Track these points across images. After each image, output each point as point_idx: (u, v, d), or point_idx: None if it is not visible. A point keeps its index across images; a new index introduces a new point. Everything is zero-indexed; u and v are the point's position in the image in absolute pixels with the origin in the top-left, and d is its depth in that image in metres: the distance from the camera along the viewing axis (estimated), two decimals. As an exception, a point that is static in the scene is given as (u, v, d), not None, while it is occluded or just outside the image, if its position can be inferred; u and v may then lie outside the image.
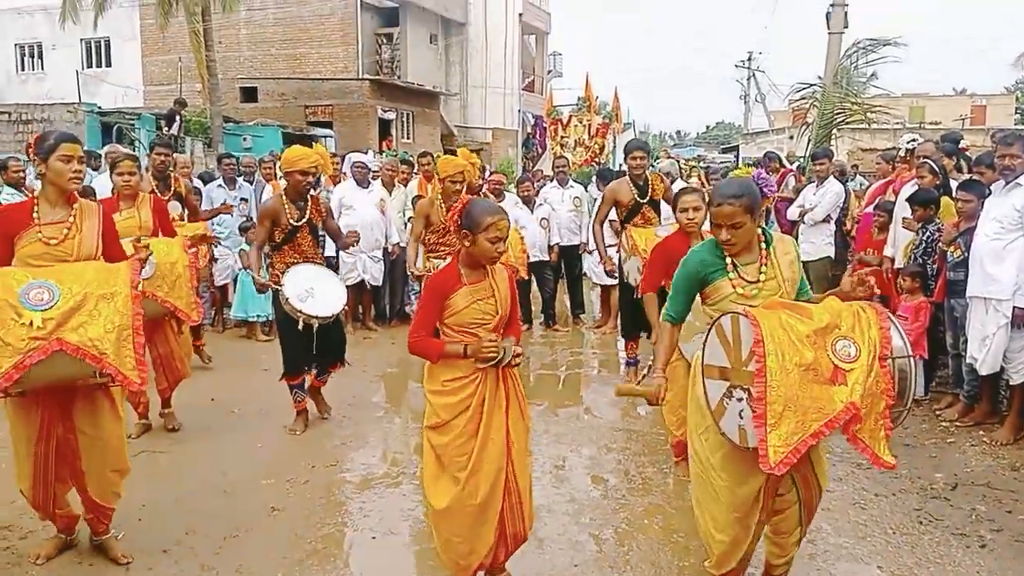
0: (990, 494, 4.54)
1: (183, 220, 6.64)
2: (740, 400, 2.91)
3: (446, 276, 3.28)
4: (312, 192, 5.54)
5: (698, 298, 3.37)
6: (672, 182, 8.11)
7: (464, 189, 6.10)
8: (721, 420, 3.01)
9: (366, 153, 12.21)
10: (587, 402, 6.65)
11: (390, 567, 3.75)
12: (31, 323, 3.08)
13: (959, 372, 5.80)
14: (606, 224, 7.29)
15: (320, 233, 5.65)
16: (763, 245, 3.21)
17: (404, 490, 4.59)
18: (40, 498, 3.58)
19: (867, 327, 2.87)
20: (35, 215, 3.48)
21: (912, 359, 2.94)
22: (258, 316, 8.21)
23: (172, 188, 6.79)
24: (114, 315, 3.22)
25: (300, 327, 5.17)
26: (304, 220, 5.38)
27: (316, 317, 5.17)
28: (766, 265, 3.18)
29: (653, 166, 10.24)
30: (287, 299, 5.12)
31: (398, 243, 8.79)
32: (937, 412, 5.90)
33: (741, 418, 2.91)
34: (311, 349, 5.42)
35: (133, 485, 4.45)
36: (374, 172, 9.49)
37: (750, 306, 3.01)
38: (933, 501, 4.47)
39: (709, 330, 3.08)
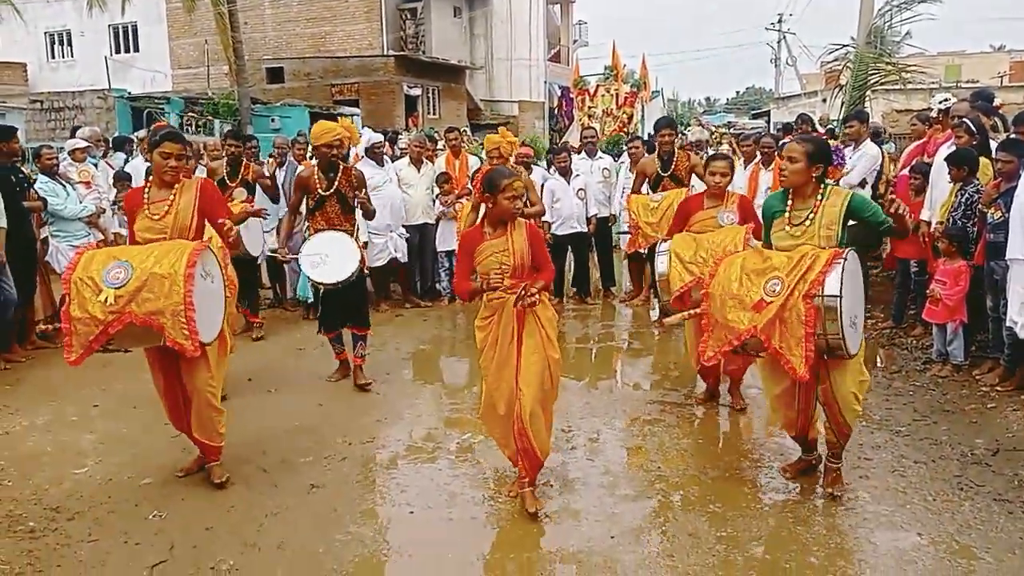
0: (1033, 459, 4.47)
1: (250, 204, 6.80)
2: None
3: (472, 233, 4.07)
4: (344, 163, 5.96)
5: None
6: (704, 149, 8.18)
7: (504, 161, 6.58)
8: None
9: (377, 132, 12.20)
10: (620, 375, 6.64)
11: (428, 540, 3.79)
12: (106, 300, 3.74)
13: (1000, 336, 5.69)
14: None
15: (352, 203, 5.89)
16: (819, 197, 3.87)
17: (440, 465, 4.63)
18: (173, 414, 4.40)
19: (808, 271, 3.65)
20: (146, 196, 4.19)
21: (840, 300, 3.60)
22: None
23: (240, 175, 7.42)
24: (172, 293, 3.78)
25: (316, 290, 5.73)
26: (332, 190, 5.76)
27: (322, 283, 5.71)
28: (815, 213, 3.85)
29: (684, 134, 10.15)
30: (300, 264, 5.75)
31: (426, 221, 8.82)
32: (977, 377, 5.81)
33: None
34: (333, 309, 5.97)
35: (175, 464, 4.57)
36: (401, 149, 9.48)
37: (795, 244, 3.86)
38: (974, 467, 4.41)
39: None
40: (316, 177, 5.77)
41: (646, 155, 8.92)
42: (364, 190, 5.96)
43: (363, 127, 15.12)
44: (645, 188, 7.59)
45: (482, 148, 9.30)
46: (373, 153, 8.67)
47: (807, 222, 3.85)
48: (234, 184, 7.35)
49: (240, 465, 4.58)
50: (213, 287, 4.16)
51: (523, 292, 3.78)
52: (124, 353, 4.21)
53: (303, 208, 6.04)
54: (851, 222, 3.88)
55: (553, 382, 4.05)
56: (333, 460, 4.69)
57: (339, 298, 5.84)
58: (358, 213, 6.05)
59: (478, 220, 5.35)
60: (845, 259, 3.66)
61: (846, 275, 3.63)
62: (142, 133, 11.38)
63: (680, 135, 7.66)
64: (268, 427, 5.24)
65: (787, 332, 3.68)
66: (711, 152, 8.54)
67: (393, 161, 9.61)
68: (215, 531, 3.84)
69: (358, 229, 6.13)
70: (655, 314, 8.08)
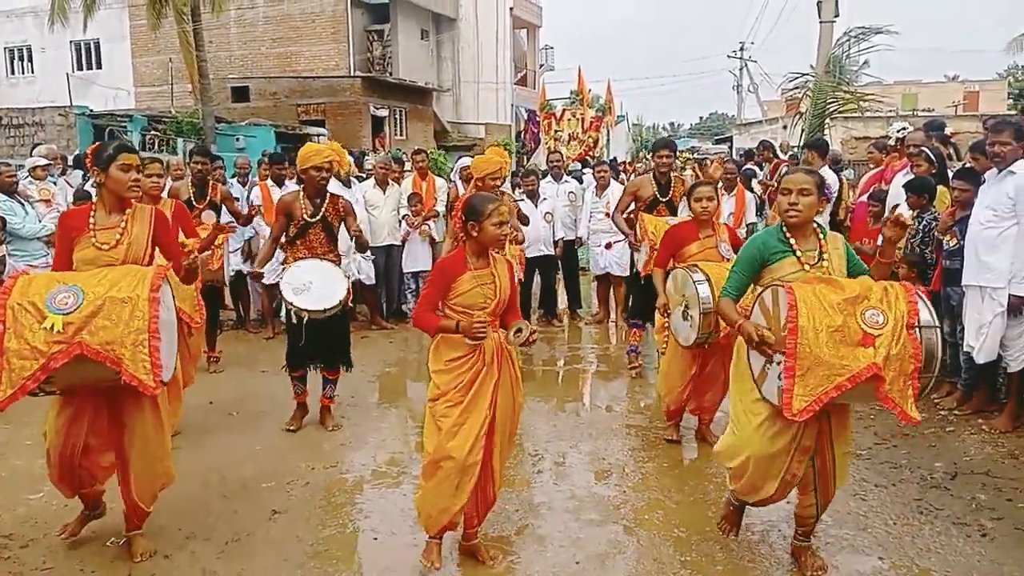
0: (990, 482, 4.55)
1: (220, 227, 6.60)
2: (779, 364, 3.21)
3: (454, 261, 3.65)
4: (330, 190, 5.60)
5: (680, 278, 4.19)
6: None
7: (499, 184, 6.13)
8: (763, 385, 3.35)
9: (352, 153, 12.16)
10: (586, 398, 6.65)
11: (392, 567, 3.74)
12: (52, 327, 3.18)
13: (957, 361, 5.81)
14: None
15: (336, 232, 5.58)
16: (820, 236, 3.51)
17: (405, 490, 4.59)
18: (65, 468, 3.60)
19: (895, 300, 3.17)
20: (91, 221, 3.66)
21: (938, 331, 3.21)
22: None
23: (208, 196, 7.10)
24: (131, 320, 3.28)
25: (294, 320, 5.23)
26: (318, 218, 5.41)
27: (306, 311, 5.16)
28: (824, 251, 3.46)
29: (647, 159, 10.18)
30: (281, 291, 5.22)
31: (392, 243, 8.83)
32: (935, 401, 5.91)
33: (780, 380, 3.21)
34: (307, 345, 5.37)
35: (133, 491, 4.46)
36: (367, 171, 9.48)
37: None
38: (933, 490, 4.48)
39: (754, 304, 3.45)
40: (301, 202, 5.41)
41: (612, 180, 9.04)
42: (356, 222, 5.63)
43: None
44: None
45: (451, 169, 9.34)
46: (341, 176, 8.63)
47: (824, 261, 3.43)
48: (201, 205, 7.02)
49: (199, 491, 4.50)
50: (171, 319, 3.63)
51: (526, 331, 3.52)
52: (57, 395, 3.49)
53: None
54: None
55: (513, 428, 3.81)
56: (296, 485, 4.62)
57: (317, 332, 5.31)
58: (342, 243, 5.81)
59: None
60: (914, 289, 3.25)
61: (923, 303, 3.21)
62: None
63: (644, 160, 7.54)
64: (229, 451, 5.16)
65: (896, 371, 3.11)
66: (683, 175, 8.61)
67: (360, 182, 9.60)
68: (174, 559, 3.76)
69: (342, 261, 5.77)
70: (616, 337, 8.10)
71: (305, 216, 5.39)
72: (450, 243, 6.34)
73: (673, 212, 6.66)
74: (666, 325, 5.25)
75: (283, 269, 5.43)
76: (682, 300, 4.89)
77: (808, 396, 3.11)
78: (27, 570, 3.65)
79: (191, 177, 7.17)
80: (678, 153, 9.13)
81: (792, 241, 3.46)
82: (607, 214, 8.62)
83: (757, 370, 3.39)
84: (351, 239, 5.72)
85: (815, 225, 3.51)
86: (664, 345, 5.42)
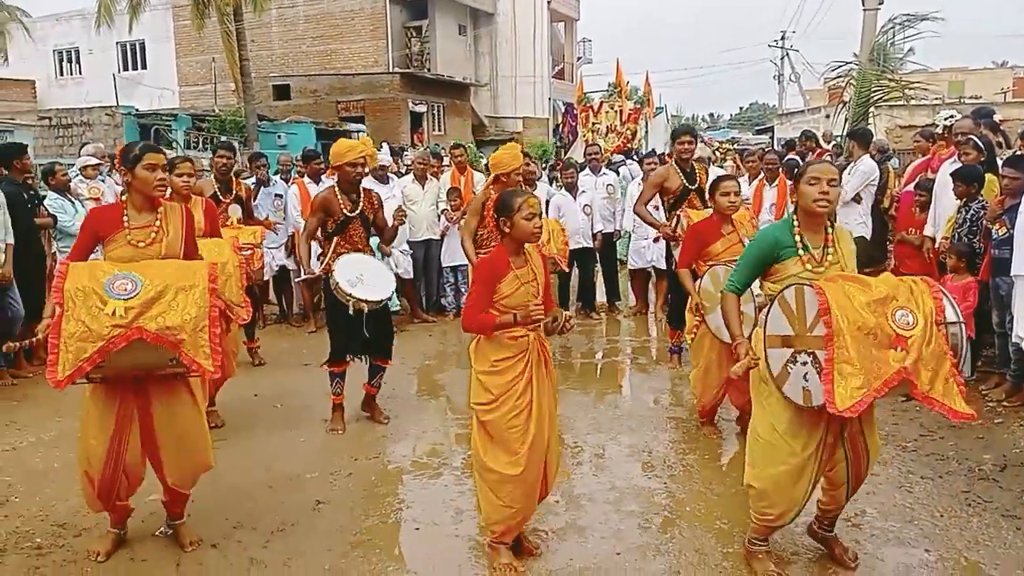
0: (1041, 475, 4.45)
1: (241, 224, 6.72)
2: (804, 364, 3.16)
3: (497, 263, 3.55)
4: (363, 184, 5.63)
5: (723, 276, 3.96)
6: (709, 165, 8.06)
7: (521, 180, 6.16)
8: (785, 386, 3.25)
9: (380, 148, 12.26)
10: (625, 390, 6.64)
11: (434, 556, 3.78)
12: (114, 312, 3.24)
13: (1006, 351, 5.68)
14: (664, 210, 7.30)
15: (371, 226, 5.66)
16: (828, 229, 3.45)
17: (446, 480, 4.63)
18: (106, 489, 3.63)
19: (921, 298, 3.10)
20: (125, 219, 3.68)
21: (963, 327, 3.16)
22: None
23: (233, 191, 6.96)
24: (191, 306, 3.35)
25: (351, 312, 5.21)
26: (357, 212, 5.47)
27: (366, 301, 5.20)
28: (831, 248, 3.42)
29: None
30: (337, 284, 5.19)
31: (430, 237, 8.90)
32: (984, 392, 5.79)
33: (806, 380, 3.14)
34: (358, 337, 5.40)
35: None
36: (407, 166, 9.54)
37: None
38: (981, 483, 4.40)
39: (772, 303, 3.34)
40: (339, 198, 5.44)
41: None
42: (383, 215, 5.74)
43: (381, 144, 15.15)
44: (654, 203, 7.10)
45: (486, 165, 9.38)
46: (379, 173, 8.72)
47: (829, 256, 3.40)
48: (227, 200, 6.87)
49: (245, 481, 4.58)
50: None
51: (562, 318, 3.53)
52: (100, 382, 3.53)
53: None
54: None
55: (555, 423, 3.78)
56: (339, 476, 4.69)
57: (367, 324, 5.36)
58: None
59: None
60: (937, 286, 3.20)
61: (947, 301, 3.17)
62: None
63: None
64: (273, 443, 5.24)
65: (936, 370, 3.05)
66: (717, 170, 8.50)
67: (399, 177, 9.67)
68: (221, 548, 3.84)
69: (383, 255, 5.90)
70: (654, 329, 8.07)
71: (345, 211, 5.44)
72: (471, 219, 6.28)
73: (703, 199, 6.45)
74: (697, 325, 5.20)
75: (323, 263, 5.48)
76: None
77: (851, 398, 2.98)
78: (80, 559, 3.74)
79: (215, 172, 7.03)
80: (719, 144, 9.05)
81: (798, 238, 3.40)
82: (656, 207, 8.54)
83: (777, 369, 3.28)
84: (379, 235, 5.78)
85: (828, 218, 3.46)
86: (690, 340, 5.40)
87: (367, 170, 5.83)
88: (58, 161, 9.02)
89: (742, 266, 3.57)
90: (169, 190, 4.08)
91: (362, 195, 5.53)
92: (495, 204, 3.65)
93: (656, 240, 8.66)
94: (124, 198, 3.77)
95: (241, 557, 3.75)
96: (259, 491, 4.49)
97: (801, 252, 3.39)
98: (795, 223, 3.43)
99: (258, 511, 4.22)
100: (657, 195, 6.84)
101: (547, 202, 9.03)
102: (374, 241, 5.80)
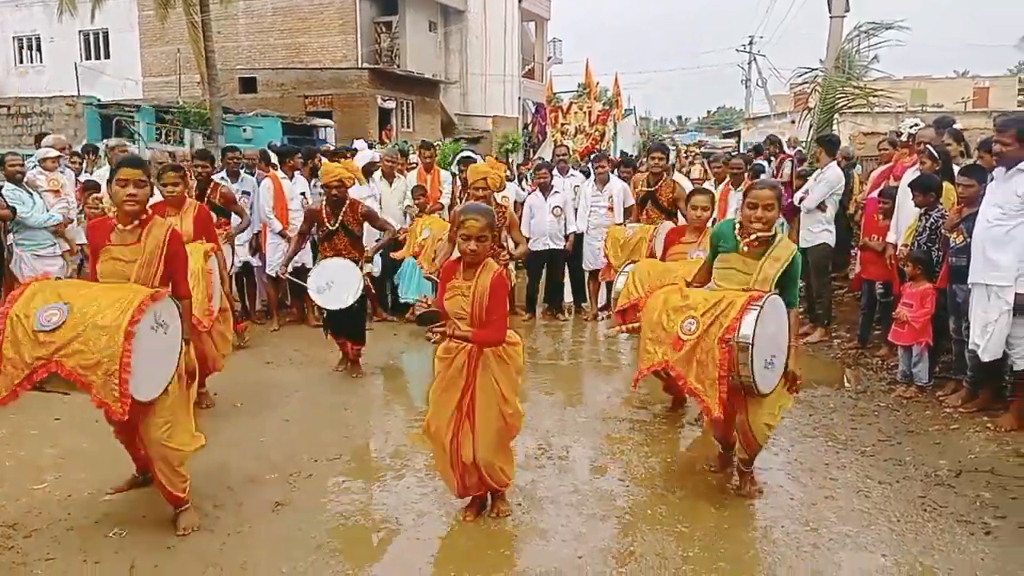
0: (994, 481, 4.53)
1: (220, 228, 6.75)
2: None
3: (451, 266, 3.95)
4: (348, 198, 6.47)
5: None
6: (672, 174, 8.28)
7: (489, 194, 6.49)
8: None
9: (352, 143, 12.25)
10: (589, 392, 6.65)
11: (395, 560, 3.76)
12: (37, 340, 3.38)
13: (962, 358, 5.78)
14: (618, 211, 8.61)
15: (359, 234, 6.51)
16: (771, 241, 4.07)
17: (408, 482, 4.60)
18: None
19: (723, 315, 3.86)
20: (112, 235, 3.81)
21: (750, 346, 3.77)
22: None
23: (207, 199, 7.12)
24: (105, 348, 3.37)
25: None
26: (337, 226, 6.36)
27: (325, 308, 6.36)
28: (766, 257, 4.05)
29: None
30: (308, 289, 6.35)
31: (397, 232, 8.85)
32: (941, 398, 5.89)
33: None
34: (338, 325, 6.56)
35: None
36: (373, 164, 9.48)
37: (742, 279, 4.07)
38: (937, 488, 4.46)
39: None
40: (324, 211, 6.36)
41: (611, 175, 9.12)
42: (380, 221, 6.83)
43: (354, 141, 15.00)
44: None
45: (455, 161, 9.39)
46: (367, 171, 8.84)
47: (757, 263, 4.04)
48: (203, 204, 6.88)
49: (204, 482, 4.50)
50: (166, 338, 3.69)
51: (444, 329, 3.83)
52: (63, 395, 3.86)
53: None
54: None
55: (511, 431, 4.05)
56: (299, 477, 4.63)
57: (340, 316, 6.39)
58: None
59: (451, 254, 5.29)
60: (761, 305, 3.84)
61: (762, 319, 3.81)
62: (113, 141, 11.20)
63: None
64: (233, 443, 5.17)
65: (703, 373, 3.87)
66: (677, 171, 8.74)
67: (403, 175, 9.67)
68: (177, 550, 3.77)
69: (365, 256, 6.57)
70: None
71: (328, 224, 6.36)
72: (447, 246, 6.45)
73: (660, 209, 7.52)
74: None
75: (299, 266, 6.54)
76: None
77: (645, 368, 4.15)
78: (31, 560, 3.66)
79: (194, 180, 7.21)
80: (686, 147, 9.29)
81: (739, 239, 4.07)
82: (609, 208, 8.68)
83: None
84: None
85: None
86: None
87: (346, 191, 6.47)
88: (13, 152, 8.80)
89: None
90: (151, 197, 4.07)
91: (344, 209, 6.36)
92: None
93: None
94: (113, 212, 3.93)
95: (197, 560, 3.69)
96: (217, 492, 4.41)
97: (742, 248, 4.06)
98: (737, 227, 4.12)
99: (215, 512, 4.16)
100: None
101: (521, 204, 9.10)
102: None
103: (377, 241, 6.94)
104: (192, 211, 5.66)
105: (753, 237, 4.01)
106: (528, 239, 8.48)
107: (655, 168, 7.58)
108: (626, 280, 5.36)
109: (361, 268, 6.43)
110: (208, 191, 7.30)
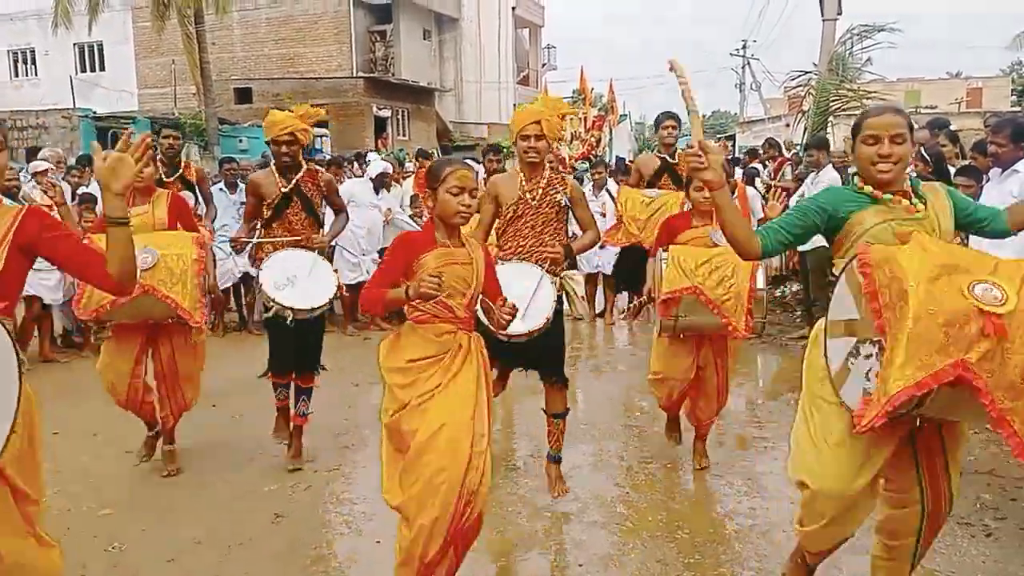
0: (995, 482, 4.53)
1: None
2: (869, 357, 2.43)
3: (419, 234, 3.13)
4: (307, 165, 4.94)
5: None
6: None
7: (542, 150, 4.34)
8: (843, 387, 2.54)
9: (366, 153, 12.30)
10: (587, 398, 6.64)
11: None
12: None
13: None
14: (611, 216, 7.82)
15: (318, 210, 4.93)
16: (912, 188, 2.77)
17: (407, 492, 4.58)
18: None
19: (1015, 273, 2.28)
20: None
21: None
22: None
23: (180, 173, 6.72)
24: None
25: (272, 316, 4.63)
26: (291, 190, 4.71)
27: (290, 308, 4.49)
28: (923, 205, 2.72)
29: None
30: (260, 284, 4.56)
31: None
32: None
33: (868, 380, 2.41)
34: (290, 348, 4.80)
35: (136, 493, 4.49)
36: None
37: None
38: (937, 490, 4.45)
39: (837, 279, 2.64)
40: (274, 178, 4.74)
41: (609, 178, 9.15)
42: (339, 200, 5.16)
43: (369, 152, 14.99)
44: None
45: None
46: (380, 180, 8.81)
47: (918, 213, 2.69)
48: (171, 183, 6.33)
49: (202, 493, 4.50)
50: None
51: (500, 306, 3.04)
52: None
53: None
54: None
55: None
56: (298, 489, 4.62)
57: (297, 333, 4.67)
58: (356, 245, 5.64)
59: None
60: None
61: None
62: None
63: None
64: (231, 455, 5.15)
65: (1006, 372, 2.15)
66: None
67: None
68: (177, 563, 3.76)
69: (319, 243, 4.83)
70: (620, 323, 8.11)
71: (281, 189, 4.70)
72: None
73: (678, 184, 6.31)
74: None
75: (258, 258, 4.80)
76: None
77: (912, 379, 2.18)
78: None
79: (161, 153, 6.60)
80: (681, 151, 9.20)
81: (869, 189, 2.72)
82: (603, 214, 8.73)
83: (837, 364, 2.56)
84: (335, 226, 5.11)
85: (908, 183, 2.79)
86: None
87: (300, 150, 4.86)
88: (8, 165, 8.79)
89: (782, 220, 2.87)
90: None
91: (302, 173, 4.79)
92: (427, 174, 3.15)
93: (603, 246, 8.80)
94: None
95: (199, 572, 3.68)
96: (217, 504, 4.41)
97: (880, 203, 2.70)
98: (855, 184, 2.80)
99: (216, 525, 4.15)
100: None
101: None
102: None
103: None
104: (165, 199, 4.90)
105: (898, 184, 2.71)
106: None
107: (667, 139, 6.63)
108: (668, 265, 4.35)
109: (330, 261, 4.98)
110: (181, 167, 6.81)
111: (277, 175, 4.76)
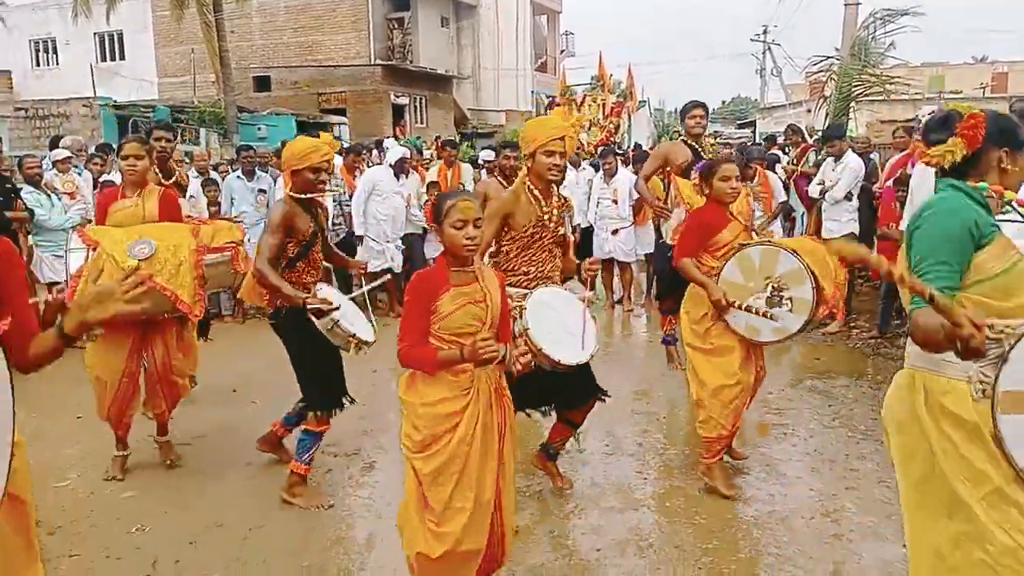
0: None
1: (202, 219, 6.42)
2: None
3: (432, 275, 2.97)
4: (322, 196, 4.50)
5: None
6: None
7: (564, 169, 4.10)
8: None
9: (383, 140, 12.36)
10: (604, 385, 6.61)
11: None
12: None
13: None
14: (623, 204, 7.51)
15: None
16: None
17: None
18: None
19: None
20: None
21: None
22: None
23: (173, 177, 6.10)
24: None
25: (348, 352, 4.18)
26: (316, 228, 4.26)
27: (367, 342, 4.15)
28: None
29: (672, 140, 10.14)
30: (337, 321, 3.93)
31: (411, 231, 8.98)
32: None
33: None
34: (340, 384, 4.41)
35: (157, 478, 4.54)
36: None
37: None
38: (958, 478, 4.42)
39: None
40: (304, 213, 4.18)
41: (620, 167, 9.10)
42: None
43: (385, 139, 14.98)
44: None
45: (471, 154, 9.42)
46: (400, 166, 8.79)
47: None
48: (168, 187, 5.53)
49: (223, 477, 4.54)
50: None
51: (508, 353, 2.91)
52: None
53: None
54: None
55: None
56: (318, 472, 4.65)
57: (337, 353, 4.28)
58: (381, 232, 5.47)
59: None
60: None
61: None
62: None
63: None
64: (252, 439, 5.18)
65: None
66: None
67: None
68: (198, 545, 3.81)
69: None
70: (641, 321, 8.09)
71: (312, 226, 4.20)
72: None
73: None
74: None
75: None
76: (766, 283, 4.08)
77: None
78: (54, 556, 3.70)
79: (154, 156, 5.83)
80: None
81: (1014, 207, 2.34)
82: (614, 201, 8.72)
83: (1019, 449, 2.03)
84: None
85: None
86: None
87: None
88: (30, 153, 8.89)
89: (938, 265, 2.24)
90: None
91: (319, 208, 4.39)
92: (433, 207, 3.05)
93: (615, 233, 8.80)
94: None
95: (220, 554, 3.72)
96: (238, 487, 4.47)
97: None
98: (979, 192, 2.41)
99: (236, 508, 4.20)
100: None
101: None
102: None
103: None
104: (156, 193, 4.73)
105: None
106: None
107: (695, 128, 6.24)
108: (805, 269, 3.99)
109: (361, 284, 4.48)
110: (175, 176, 6.16)
111: (301, 209, 4.18)
